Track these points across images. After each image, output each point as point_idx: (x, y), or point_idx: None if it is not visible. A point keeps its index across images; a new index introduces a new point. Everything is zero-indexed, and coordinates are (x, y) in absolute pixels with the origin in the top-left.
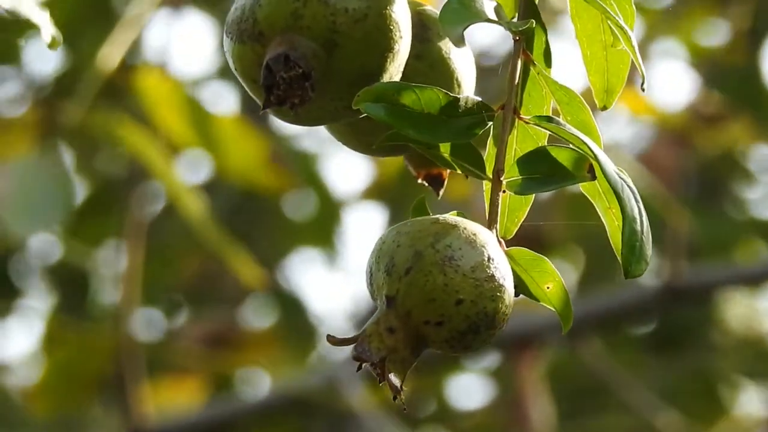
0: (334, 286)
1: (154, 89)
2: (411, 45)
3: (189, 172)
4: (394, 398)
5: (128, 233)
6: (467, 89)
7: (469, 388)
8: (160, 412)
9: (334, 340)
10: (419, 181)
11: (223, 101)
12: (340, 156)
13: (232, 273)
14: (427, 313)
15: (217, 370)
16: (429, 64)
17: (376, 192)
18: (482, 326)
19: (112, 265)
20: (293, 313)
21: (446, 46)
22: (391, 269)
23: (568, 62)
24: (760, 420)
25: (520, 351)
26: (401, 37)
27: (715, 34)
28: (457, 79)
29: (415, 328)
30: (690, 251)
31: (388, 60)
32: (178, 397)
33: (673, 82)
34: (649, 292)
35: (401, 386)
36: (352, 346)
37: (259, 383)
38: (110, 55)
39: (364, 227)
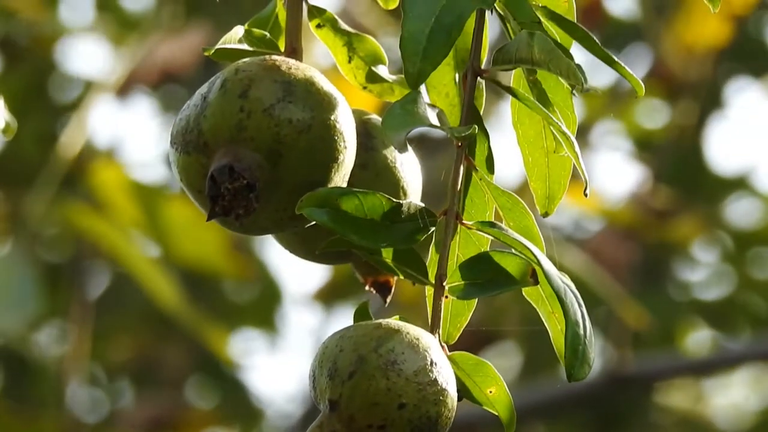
0: (277, 368)
1: (110, 180)
2: (356, 154)
3: (138, 244)
4: None
5: (74, 315)
6: (413, 196)
7: None
8: None
9: None
10: (367, 288)
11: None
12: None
13: (174, 354)
14: (370, 418)
15: None
16: (374, 173)
17: (327, 293)
18: (425, 430)
19: (56, 347)
20: (236, 395)
21: (391, 154)
22: (334, 374)
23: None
24: None
25: None
26: (346, 148)
27: (659, 116)
28: (402, 188)
29: None
30: (635, 336)
31: (333, 170)
32: None
33: (618, 171)
34: (595, 381)
35: None
36: None
37: None
38: (67, 146)
39: (308, 320)
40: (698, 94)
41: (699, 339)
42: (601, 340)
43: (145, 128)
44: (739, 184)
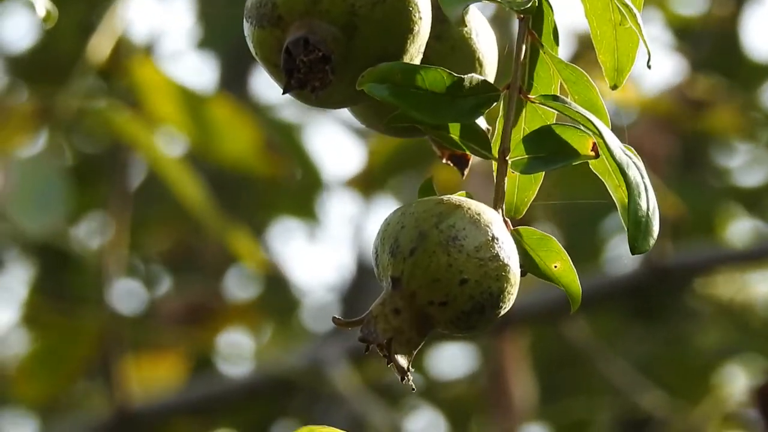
0: (316, 258)
1: (148, 78)
2: (431, 26)
3: (173, 146)
4: (402, 379)
5: (113, 206)
6: (489, 70)
7: (452, 357)
8: (143, 389)
9: (340, 322)
10: (444, 161)
11: (203, 74)
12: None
13: (214, 245)
14: (431, 294)
15: (198, 345)
16: (450, 45)
17: (362, 181)
18: (487, 306)
19: (95, 239)
20: (276, 285)
21: (467, 25)
22: (396, 250)
23: None
24: (742, 392)
25: (501, 327)
26: (421, 18)
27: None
28: (479, 59)
29: (420, 308)
30: (675, 227)
31: (408, 42)
32: (160, 372)
33: (657, 62)
34: (635, 272)
35: (408, 367)
36: (358, 327)
37: (241, 361)
38: (103, 40)
39: (347, 208)
40: None
41: (739, 228)
42: None
43: (182, 23)
44: None
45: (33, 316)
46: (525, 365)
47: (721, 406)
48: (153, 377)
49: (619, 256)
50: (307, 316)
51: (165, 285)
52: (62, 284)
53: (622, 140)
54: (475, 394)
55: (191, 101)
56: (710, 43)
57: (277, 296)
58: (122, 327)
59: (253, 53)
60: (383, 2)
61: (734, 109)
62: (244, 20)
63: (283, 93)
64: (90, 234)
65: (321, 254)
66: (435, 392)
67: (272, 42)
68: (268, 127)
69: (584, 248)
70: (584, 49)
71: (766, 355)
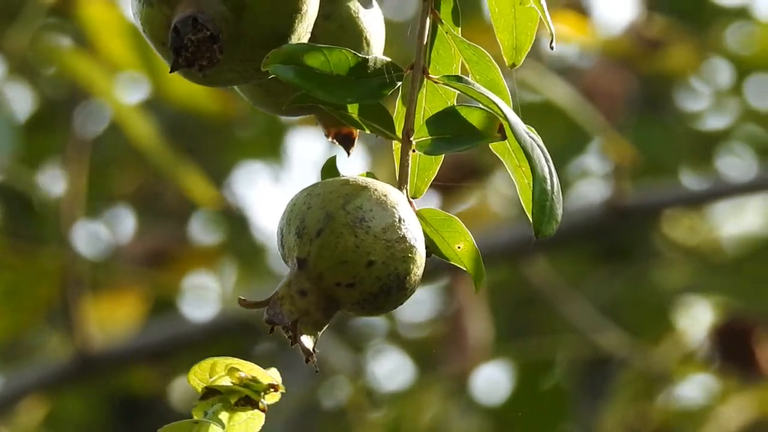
0: (281, 201)
1: (97, 16)
2: (320, 5)
3: (130, 90)
4: (307, 361)
5: (71, 151)
6: (376, 49)
7: (418, 300)
8: (104, 332)
9: (245, 303)
10: (329, 140)
11: None
12: None
13: (178, 189)
14: (338, 276)
15: (161, 288)
16: (338, 24)
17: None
18: (394, 288)
19: (57, 183)
20: (240, 229)
21: (355, 5)
22: (302, 231)
23: None
24: (704, 333)
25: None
26: None
27: None
28: (366, 39)
29: (326, 290)
30: (635, 168)
31: (297, 21)
32: (120, 312)
33: (613, 3)
34: (595, 212)
35: (314, 348)
36: (264, 308)
37: (205, 304)
38: None
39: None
40: None
41: (700, 169)
42: (601, 174)
43: None
44: (739, 14)
45: None
46: (483, 305)
47: (681, 346)
48: (113, 318)
49: (579, 197)
50: (272, 259)
51: (129, 228)
52: (25, 230)
53: (577, 82)
54: (440, 336)
55: (142, 40)
56: None
57: (242, 240)
58: (83, 268)
59: (141, 30)
60: None
61: (691, 49)
62: None
63: (171, 71)
64: (52, 180)
65: (286, 197)
66: (400, 334)
67: (160, 20)
68: None
69: None
70: None
71: (729, 294)
